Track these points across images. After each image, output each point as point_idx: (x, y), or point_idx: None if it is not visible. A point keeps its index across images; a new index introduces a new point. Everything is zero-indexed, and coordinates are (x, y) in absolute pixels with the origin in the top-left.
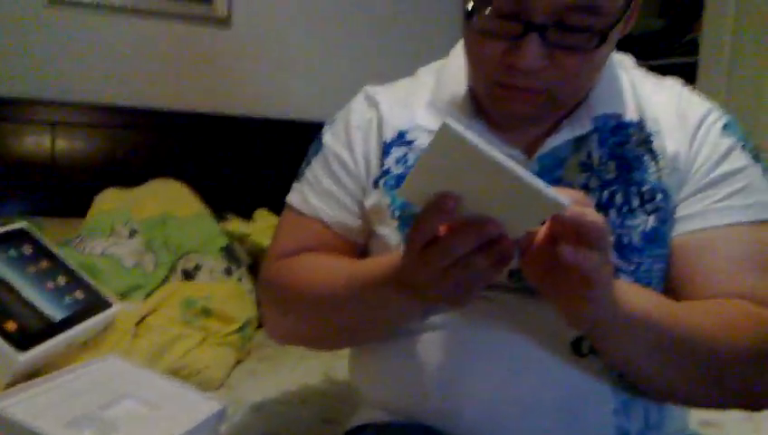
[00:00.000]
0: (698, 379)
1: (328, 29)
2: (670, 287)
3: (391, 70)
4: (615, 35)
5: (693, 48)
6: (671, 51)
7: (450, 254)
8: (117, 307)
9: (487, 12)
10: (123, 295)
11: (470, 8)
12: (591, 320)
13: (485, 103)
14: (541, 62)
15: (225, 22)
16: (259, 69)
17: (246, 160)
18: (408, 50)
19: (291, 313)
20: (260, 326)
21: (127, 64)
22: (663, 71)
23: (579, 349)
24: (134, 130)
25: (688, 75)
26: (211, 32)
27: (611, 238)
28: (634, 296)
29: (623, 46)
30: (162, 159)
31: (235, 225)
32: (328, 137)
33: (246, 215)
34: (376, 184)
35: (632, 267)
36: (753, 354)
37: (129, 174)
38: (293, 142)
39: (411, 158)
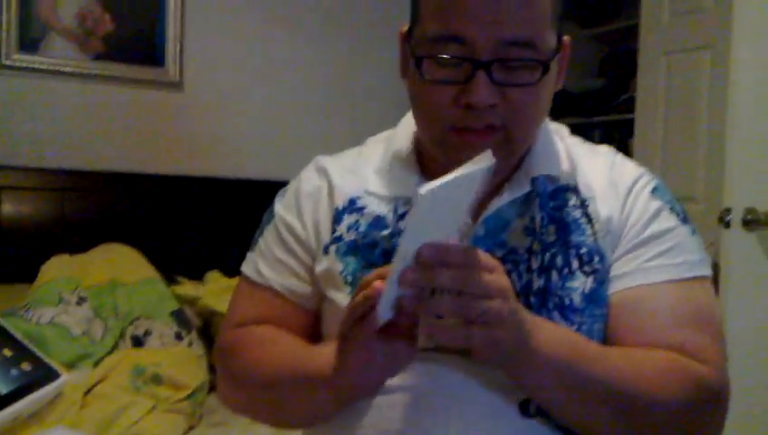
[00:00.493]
0: (626, 428)
1: (278, 92)
2: (608, 345)
3: (341, 133)
4: (553, 78)
5: (630, 105)
6: (610, 108)
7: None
8: (64, 378)
9: (434, 62)
10: (71, 365)
11: (416, 62)
12: (499, 350)
13: (441, 157)
14: (492, 99)
15: (176, 85)
16: (210, 130)
17: (198, 222)
18: (358, 114)
19: (242, 390)
20: (212, 390)
21: (78, 128)
22: (604, 126)
23: (526, 410)
24: (83, 192)
25: (627, 131)
26: (163, 95)
27: (508, 284)
28: (551, 333)
29: (567, 103)
30: (113, 222)
31: (186, 288)
32: (279, 206)
33: (198, 277)
34: (326, 250)
35: (574, 327)
36: (681, 405)
37: (79, 238)
38: (245, 203)
39: (363, 224)
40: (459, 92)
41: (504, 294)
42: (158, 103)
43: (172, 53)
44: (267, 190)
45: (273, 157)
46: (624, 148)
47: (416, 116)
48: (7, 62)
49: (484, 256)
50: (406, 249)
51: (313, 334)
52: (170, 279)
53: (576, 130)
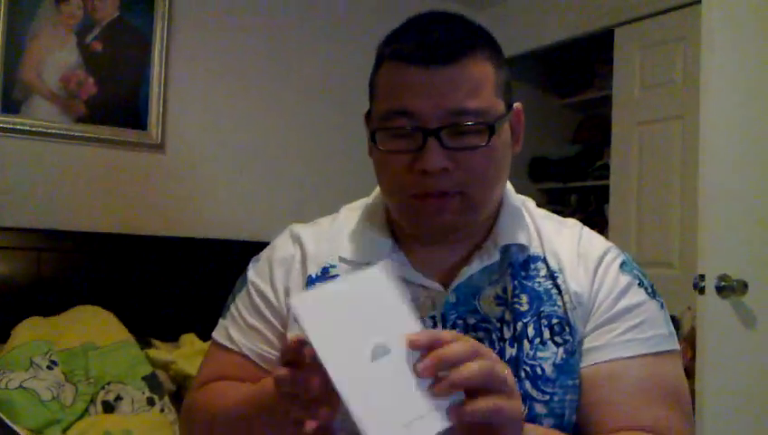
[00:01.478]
0: None
1: (256, 157)
2: (580, 417)
3: (316, 197)
4: (506, 141)
5: (605, 172)
6: (586, 174)
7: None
8: None
9: (389, 134)
10: (40, 431)
11: (371, 136)
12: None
13: (406, 222)
14: (444, 164)
15: (158, 147)
16: (190, 193)
17: (175, 283)
18: (333, 181)
19: None
20: None
21: (58, 188)
22: (581, 192)
23: None
24: (60, 253)
25: (603, 197)
26: (144, 157)
27: (510, 378)
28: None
29: (545, 169)
30: (89, 283)
31: (160, 352)
32: (252, 273)
33: (174, 339)
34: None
35: (546, 398)
36: None
37: (54, 299)
38: (222, 264)
39: None
40: (413, 160)
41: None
42: (138, 165)
43: (155, 115)
44: (245, 252)
45: (250, 219)
46: (600, 213)
47: (380, 188)
48: None
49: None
50: (336, 355)
51: None
52: (145, 342)
53: (553, 194)
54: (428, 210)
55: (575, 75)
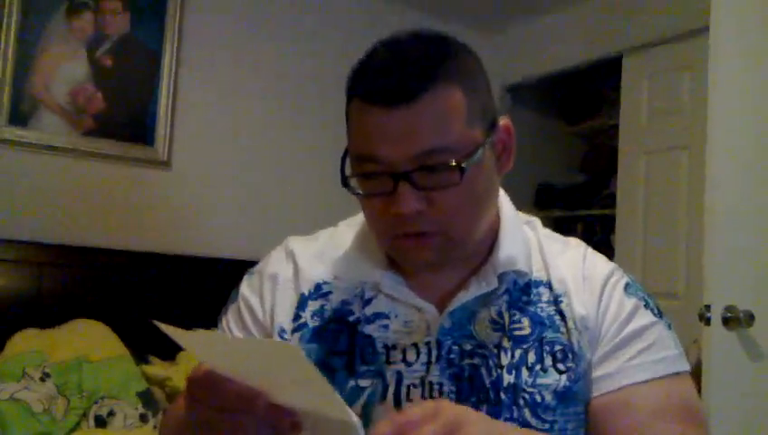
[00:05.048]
0: None
1: (263, 175)
2: None
3: (323, 216)
4: (489, 168)
5: (612, 201)
6: (592, 203)
7: (209, 398)
8: None
9: (360, 177)
10: None
11: (343, 181)
12: None
13: (394, 256)
14: (418, 206)
15: (164, 164)
16: (195, 209)
17: (177, 300)
18: (342, 199)
19: None
20: None
21: (63, 202)
22: (586, 221)
23: None
24: (62, 267)
25: (609, 225)
26: (150, 173)
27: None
28: None
29: (552, 197)
30: (90, 298)
31: (156, 368)
32: (244, 286)
33: (172, 357)
34: (282, 336)
35: (546, 426)
36: None
37: (54, 312)
38: (225, 282)
39: (328, 310)
40: (387, 203)
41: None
42: (144, 181)
43: (162, 132)
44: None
45: (255, 237)
46: (606, 242)
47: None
48: None
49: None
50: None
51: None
52: (142, 358)
53: (559, 223)
54: (409, 249)
55: (583, 103)
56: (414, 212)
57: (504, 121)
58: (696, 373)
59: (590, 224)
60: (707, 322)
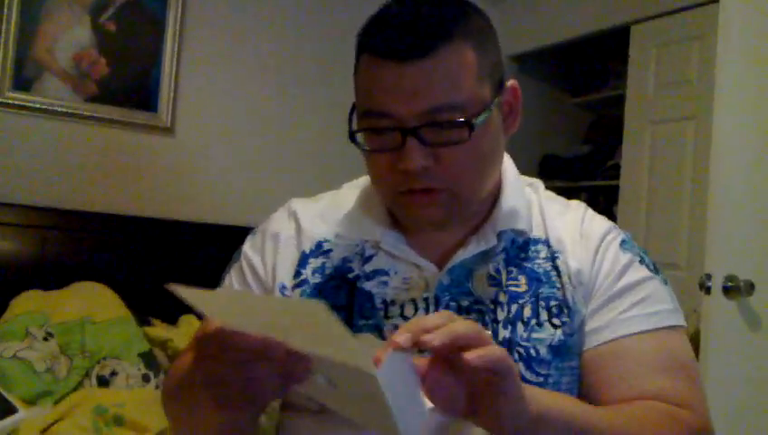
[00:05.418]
0: None
1: (266, 141)
2: (586, 399)
3: (326, 180)
4: (496, 128)
5: (616, 172)
6: (596, 174)
7: (222, 353)
8: (20, 414)
9: (367, 132)
10: (32, 401)
11: (351, 136)
12: (513, 418)
13: (397, 214)
14: (425, 162)
15: (167, 130)
16: (198, 176)
17: (180, 265)
18: (345, 161)
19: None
20: None
21: (67, 167)
22: (590, 191)
23: None
24: (65, 231)
25: (613, 196)
26: (154, 139)
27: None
28: (546, 395)
29: (556, 167)
30: (93, 262)
31: (158, 330)
32: (247, 245)
33: (174, 321)
34: (283, 293)
35: (540, 380)
36: None
37: (57, 276)
38: (228, 248)
39: (329, 267)
40: (394, 159)
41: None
42: (147, 147)
43: (166, 99)
44: None
45: (258, 204)
46: (609, 213)
47: (371, 179)
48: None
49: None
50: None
51: None
52: (144, 320)
53: (563, 193)
54: (415, 206)
55: (589, 73)
56: (421, 168)
57: (511, 83)
58: (695, 343)
59: (594, 195)
60: (708, 291)
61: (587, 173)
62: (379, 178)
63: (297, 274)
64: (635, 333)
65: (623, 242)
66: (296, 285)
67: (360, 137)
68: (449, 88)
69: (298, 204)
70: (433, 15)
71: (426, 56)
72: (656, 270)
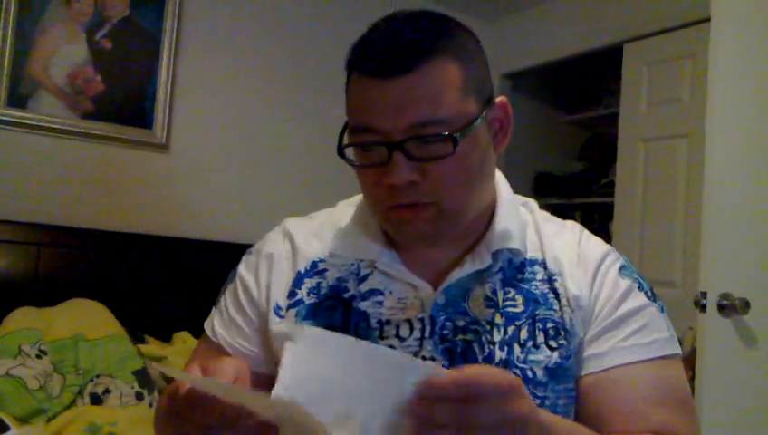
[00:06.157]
0: None
1: (260, 158)
2: (583, 424)
3: (321, 198)
4: (484, 143)
5: (610, 189)
6: (591, 192)
7: (193, 416)
8: (13, 432)
9: (356, 148)
10: (25, 420)
11: (339, 151)
12: None
13: (387, 229)
14: (411, 176)
15: (162, 147)
16: (193, 193)
17: (174, 282)
18: (339, 180)
19: None
20: None
21: (61, 184)
22: (584, 209)
23: None
24: (59, 248)
25: (607, 214)
26: (148, 156)
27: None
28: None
29: (550, 185)
30: (87, 279)
31: (152, 347)
32: (242, 266)
33: (168, 339)
34: (279, 313)
35: (537, 402)
36: None
37: (51, 293)
38: (222, 265)
39: (324, 287)
40: (381, 174)
41: (515, 423)
42: (142, 164)
43: (161, 115)
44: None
45: (253, 220)
46: (604, 231)
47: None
48: None
49: (491, 382)
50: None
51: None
52: (138, 338)
53: (558, 211)
54: (402, 220)
55: (583, 92)
56: (406, 182)
57: (500, 99)
58: (691, 360)
59: (588, 212)
60: (703, 308)
61: (581, 191)
62: (368, 193)
63: (292, 293)
64: (634, 362)
65: (622, 268)
66: (291, 305)
67: (349, 153)
68: (431, 104)
69: (293, 223)
70: (416, 32)
71: (409, 72)
72: (653, 296)
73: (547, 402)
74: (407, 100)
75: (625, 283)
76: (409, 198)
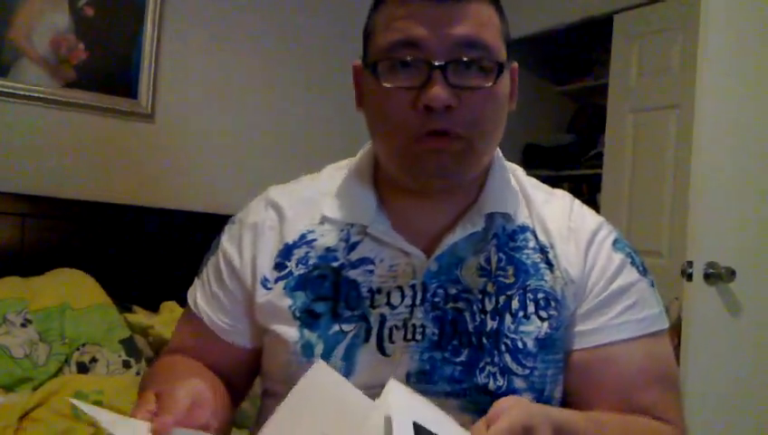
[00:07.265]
0: None
1: (247, 128)
2: (571, 400)
3: (308, 168)
4: (507, 92)
5: (599, 161)
6: (579, 163)
7: None
8: None
9: (391, 70)
10: (10, 388)
11: (373, 68)
12: None
13: (401, 172)
14: (450, 98)
15: (148, 116)
16: (178, 163)
17: (160, 253)
18: (328, 148)
19: None
20: None
21: (45, 154)
22: (573, 180)
23: None
24: (44, 219)
25: (595, 186)
26: (133, 125)
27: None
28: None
29: (538, 156)
30: (72, 250)
31: (139, 317)
32: (225, 237)
33: (155, 308)
34: (266, 285)
35: (526, 372)
36: None
37: (37, 264)
38: (208, 235)
39: (312, 257)
40: (417, 96)
41: None
42: (127, 133)
43: (145, 84)
44: None
45: (239, 190)
46: (593, 202)
47: (377, 132)
48: None
49: None
50: None
51: (249, 370)
52: (124, 307)
53: (546, 182)
54: (428, 152)
55: (573, 62)
56: (444, 106)
57: (514, 64)
58: (677, 329)
59: (577, 184)
60: (689, 277)
61: (570, 162)
62: (394, 121)
63: (281, 265)
64: (625, 340)
65: (615, 241)
66: (280, 278)
67: (381, 68)
68: (478, 26)
69: (277, 192)
70: None
71: (460, 1)
72: (644, 270)
73: (536, 372)
74: (456, 18)
75: (618, 257)
76: (442, 125)
